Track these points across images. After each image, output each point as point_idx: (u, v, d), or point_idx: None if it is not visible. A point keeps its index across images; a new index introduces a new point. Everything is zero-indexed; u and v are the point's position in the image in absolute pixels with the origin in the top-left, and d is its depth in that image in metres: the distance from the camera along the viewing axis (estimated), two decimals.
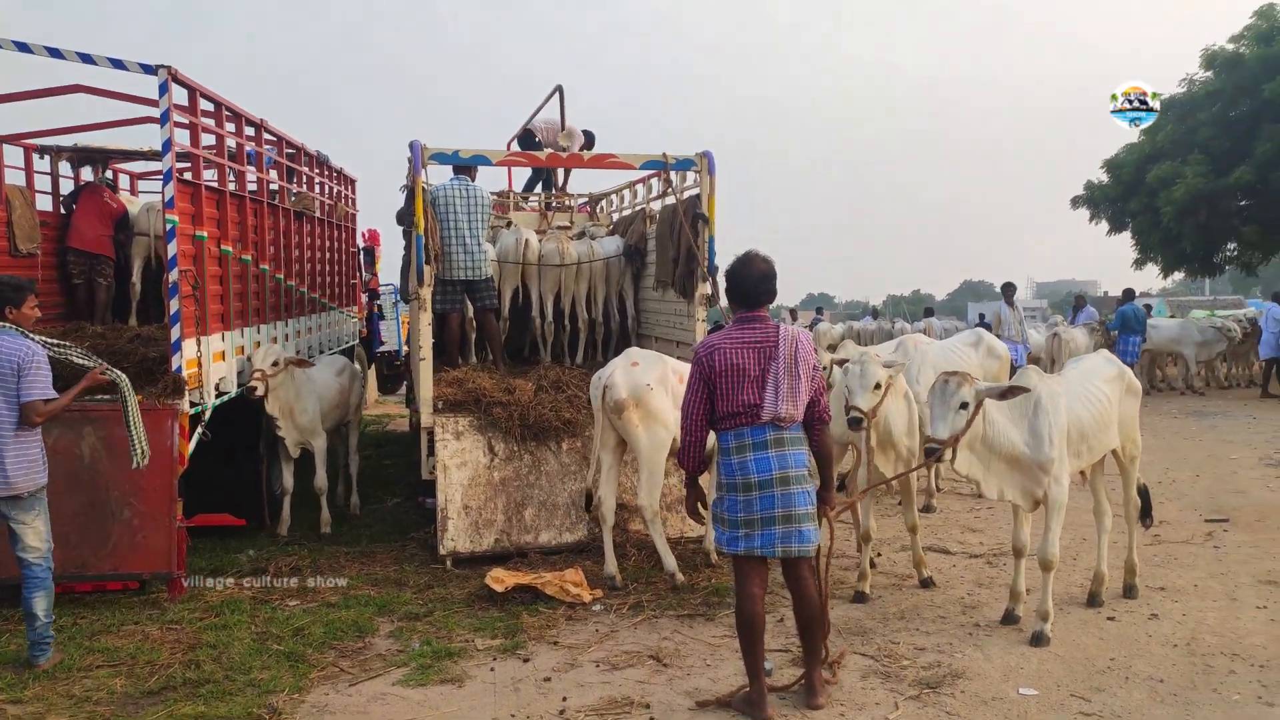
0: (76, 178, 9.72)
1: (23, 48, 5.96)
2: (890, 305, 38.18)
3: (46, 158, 9.40)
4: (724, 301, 8.13)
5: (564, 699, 4.35)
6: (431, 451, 6.97)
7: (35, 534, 4.80)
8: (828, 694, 4.23)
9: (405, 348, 14.97)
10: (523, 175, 11.25)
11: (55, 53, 5.98)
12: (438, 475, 6.81)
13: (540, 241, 9.25)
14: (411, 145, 7.14)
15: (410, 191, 7.28)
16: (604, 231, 10.08)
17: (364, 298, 12.82)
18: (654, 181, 9.02)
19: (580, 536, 6.80)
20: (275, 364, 7.09)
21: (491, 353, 8.42)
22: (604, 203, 10.98)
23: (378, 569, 6.53)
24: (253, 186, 8.04)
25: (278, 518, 7.52)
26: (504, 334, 8.96)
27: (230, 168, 7.28)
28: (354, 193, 11.91)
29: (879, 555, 6.40)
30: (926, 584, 5.89)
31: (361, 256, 12.70)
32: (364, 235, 12.98)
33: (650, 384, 6.04)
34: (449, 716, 4.23)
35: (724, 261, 7.40)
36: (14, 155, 8.88)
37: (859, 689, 4.39)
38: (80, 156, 9.55)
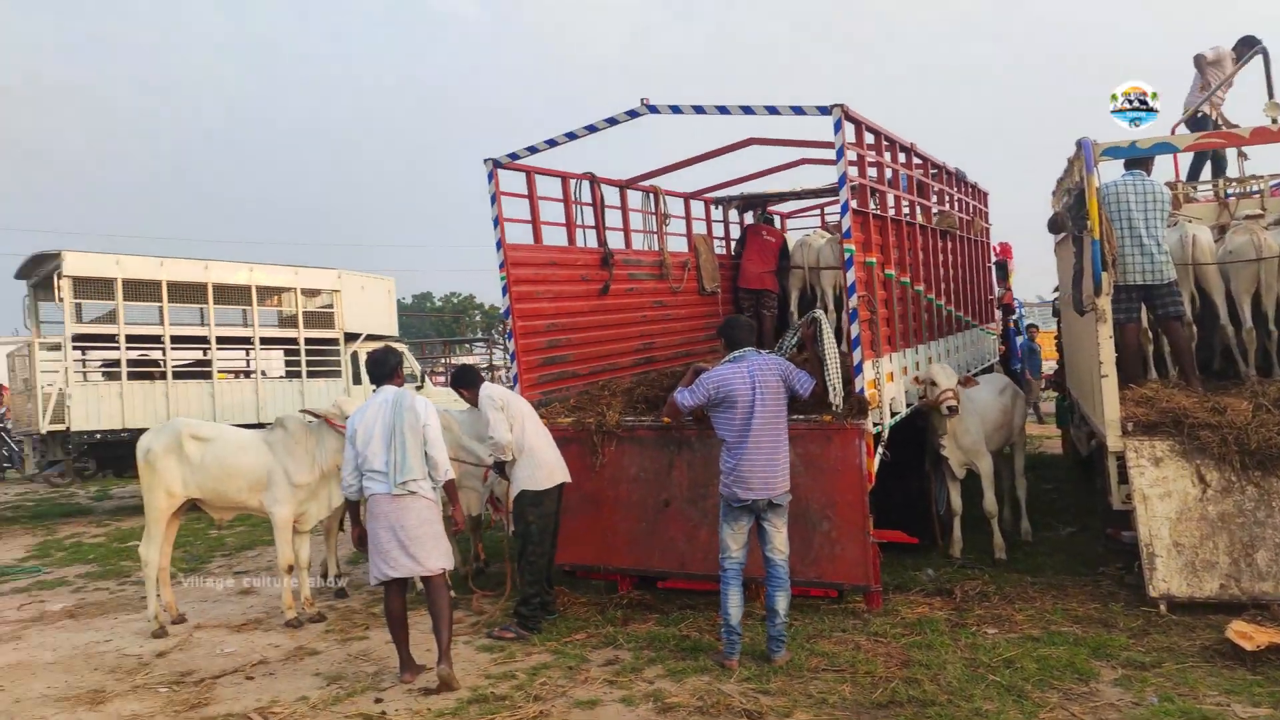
0: (741, 222, 11.02)
1: (722, 110, 6.79)
2: None
3: (720, 207, 10.83)
4: None
5: None
6: (1122, 479, 6.24)
7: (783, 538, 5.35)
8: None
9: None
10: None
11: (747, 109, 6.70)
12: (1135, 506, 6.06)
13: (1228, 235, 7.87)
14: (1081, 143, 6.54)
15: (1079, 193, 6.68)
16: None
17: (998, 314, 12.39)
18: None
19: None
20: (960, 382, 7.08)
21: (1181, 367, 7.31)
22: None
23: (1074, 605, 6.03)
24: (904, 209, 8.19)
25: (948, 538, 7.45)
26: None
27: (888, 193, 7.48)
28: (987, 206, 11.60)
29: None
30: None
31: (994, 271, 12.32)
32: (995, 249, 12.58)
33: None
34: None
35: None
36: (696, 208, 10.40)
37: None
38: (744, 203, 10.80)
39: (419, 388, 12.88)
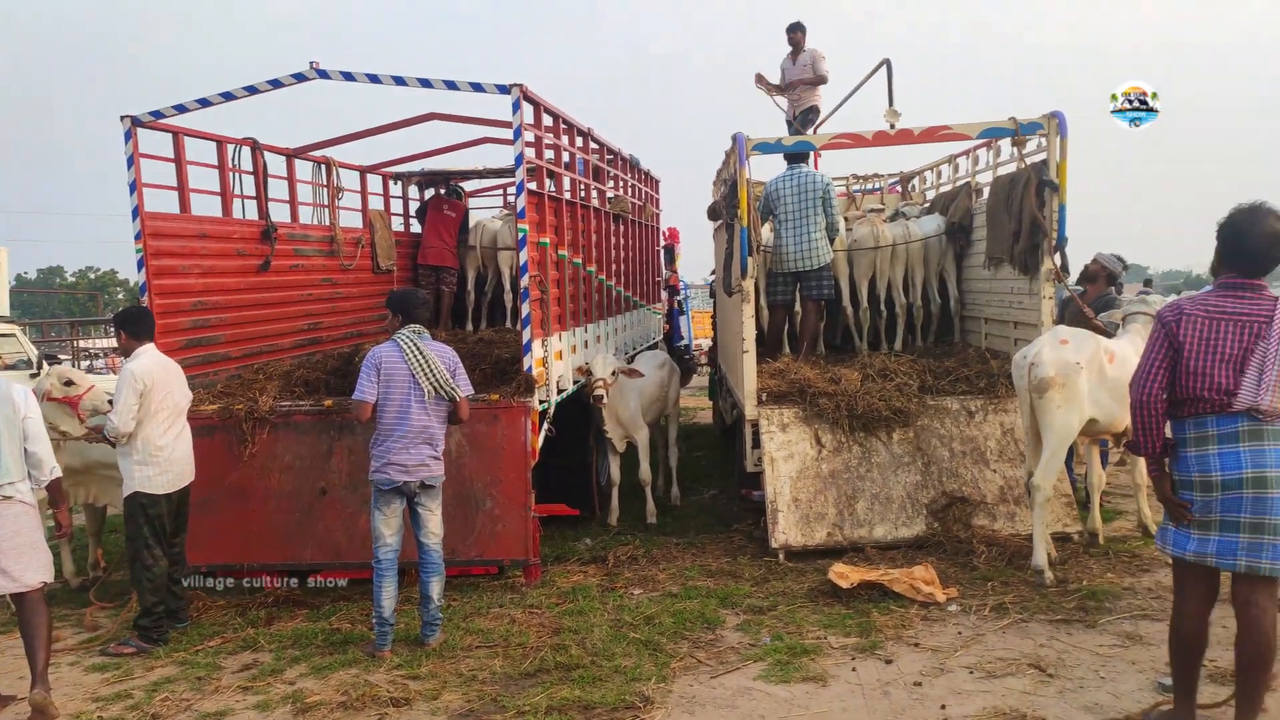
0: (421, 199, 10.77)
1: (399, 81, 6.55)
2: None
3: (399, 183, 10.52)
4: (1073, 278, 7.38)
5: (943, 707, 4.06)
6: (756, 444, 6.90)
7: (437, 521, 5.26)
8: None
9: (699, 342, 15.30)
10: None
11: (425, 82, 6.51)
12: (765, 468, 6.72)
13: (854, 227, 8.96)
14: (735, 138, 7.11)
15: (734, 183, 7.26)
16: (919, 210, 9.54)
17: (664, 294, 13.16)
18: (980, 152, 8.39)
19: (919, 531, 6.43)
20: (614, 374, 7.37)
21: (802, 343, 8.17)
22: (916, 180, 10.42)
23: (710, 560, 6.55)
24: (579, 192, 8.42)
25: (607, 508, 7.81)
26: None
27: (565, 176, 7.65)
28: (658, 192, 12.25)
29: None
30: None
31: (663, 254, 13.06)
32: (664, 233, 13.33)
33: (1080, 362, 5.71)
34: (821, 717, 4.08)
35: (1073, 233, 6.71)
36: (374, 182, 10.02)
37: None
38: (425, 179, 10.57)
39: (34, 374, 11.31)
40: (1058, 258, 6.67)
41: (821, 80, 9.53)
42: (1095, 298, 7.38)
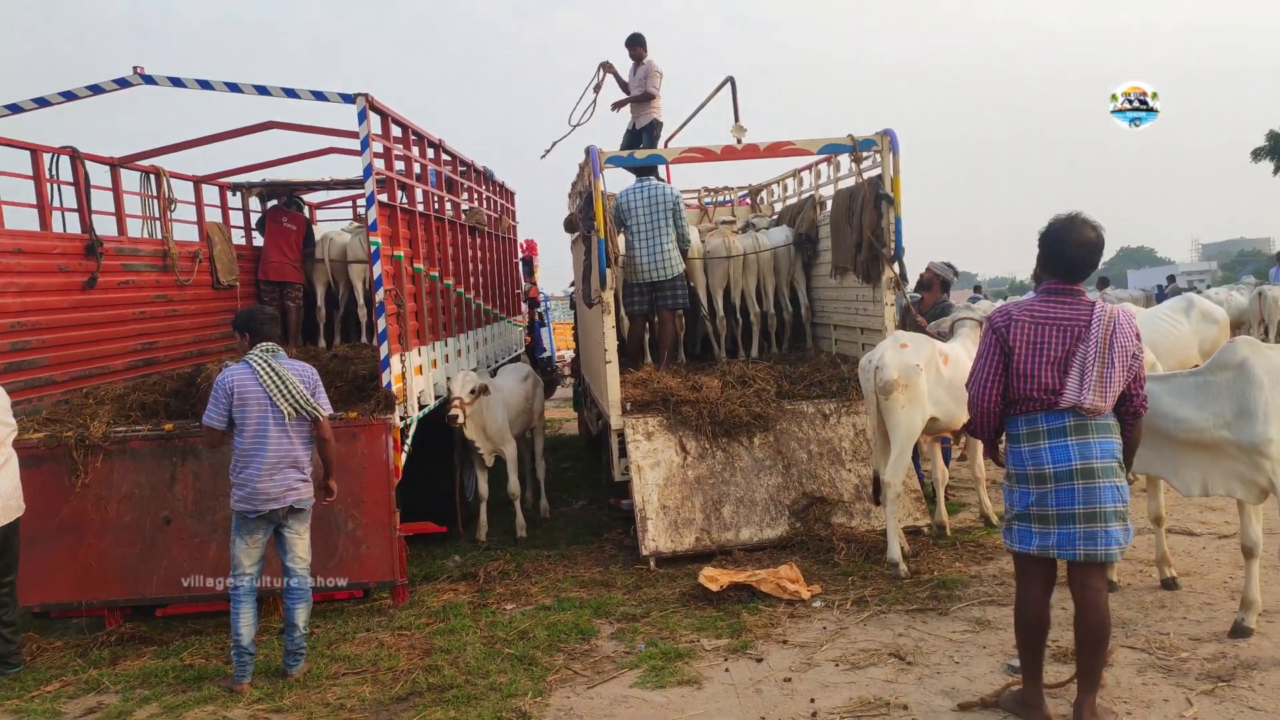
0: (264, 211, 10.30)
1: (233, 88, 6.27)
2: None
3: (238, 194, 10.02)
4: (912, 285, 7.85)
5: (812, 700, 4.22)
6: (623, 453, 6.98)
7: (305, 546, 5.05)
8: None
9: (562, 353, 15.33)
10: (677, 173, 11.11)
11: (262, 90, 6.26)
12: (632, 476, 6.81)
13: (706, 238, 9.22)
14: (588, 151, 7.18)
15: (589, 196, 7.32)
16: (768, 222, 9.91)
17: (524, 306, 13.10)
18: (823, 167, 8.80)
19: (782, 532, 6.66)
20: (473, 391, 7.26)
21: (661, 352, 8.32)
22: (764, 193, 10.81)
23: (582, 571, 6.56)
24: (432, 204, 8.27)
25: (475, 524, 7.70)
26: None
27: (417, 188, 7.50)
28: (514, 205, 12.18)
29: None
30: (1169, 584, 5.36)
31: (521, 266, 12.99)
32: (522, 246, 13.27)
33: (919, 364, 5.99)
34: (697, 719, 4.16)
35: (910, 243, 7.17)
36: (210, 194, 9.51)
37: (1139, 685, 4.07)
38: (267, 191, 10.11)
39: None
40: (896, 267, 7.09)
41: (649, 96, 9.61)
42: (932, 304, 7.89)
